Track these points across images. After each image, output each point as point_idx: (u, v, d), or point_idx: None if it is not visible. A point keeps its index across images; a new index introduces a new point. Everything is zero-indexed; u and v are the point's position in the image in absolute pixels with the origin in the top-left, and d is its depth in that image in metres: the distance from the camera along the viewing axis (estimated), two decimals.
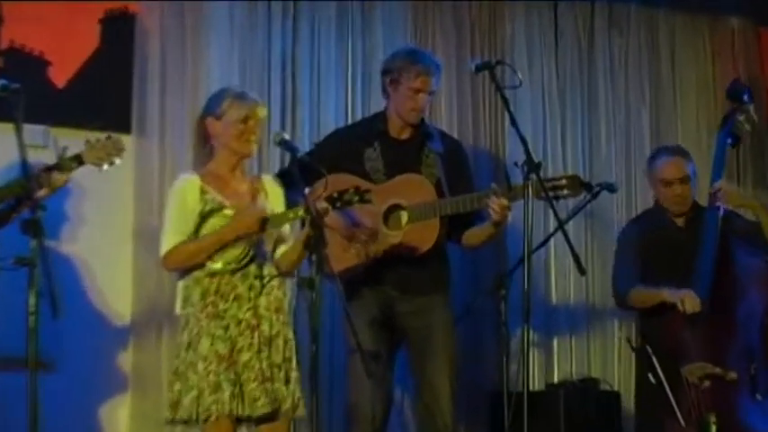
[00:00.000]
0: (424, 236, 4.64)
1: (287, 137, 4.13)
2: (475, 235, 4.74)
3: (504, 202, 4.35)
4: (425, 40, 6.07)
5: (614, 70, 6.53)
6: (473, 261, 5.81)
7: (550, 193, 4.23)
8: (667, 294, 4.94)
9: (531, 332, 4.07)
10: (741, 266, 4.97)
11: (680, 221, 5.27)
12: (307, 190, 4.01)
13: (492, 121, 6.23)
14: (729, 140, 5.12)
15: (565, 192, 4.32)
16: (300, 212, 4.05)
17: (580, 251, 5.33)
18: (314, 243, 3.83)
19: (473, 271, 5.87)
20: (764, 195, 6.44)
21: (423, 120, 4.87)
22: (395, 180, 4.70)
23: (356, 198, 4.07)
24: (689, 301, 4.88)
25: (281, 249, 4.25)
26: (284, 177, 4.41)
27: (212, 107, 4.26)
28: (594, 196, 4.73)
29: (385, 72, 4.81)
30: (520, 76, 4.39)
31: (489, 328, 5.80)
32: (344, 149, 4.76)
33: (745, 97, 5.15)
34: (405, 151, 4.79)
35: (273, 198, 4.34)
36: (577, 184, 4.34)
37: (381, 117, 4.88)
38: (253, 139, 4.20)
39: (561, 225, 4.06)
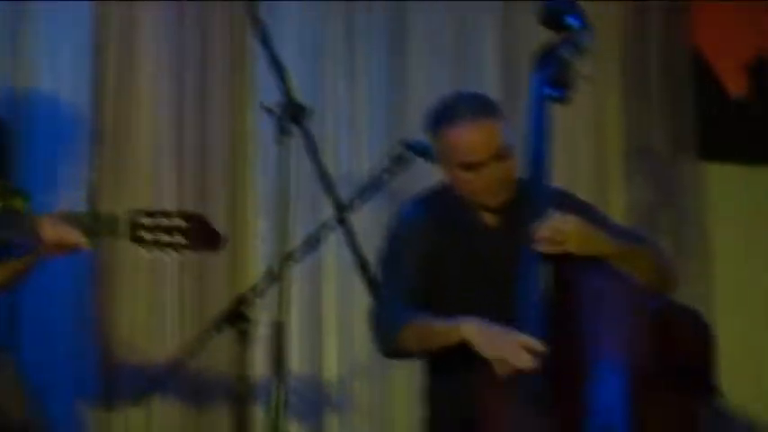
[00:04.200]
0: None
1: None
2: None
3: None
4: None
5: None
6: None
7: (153, 237, 3.27)
8: (469, 331, 3.41)
9: None
10: (589, 295, 3.35)
11: (491, 219, 3.77)
12: None
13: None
14: (551, 91, 3.52)
15: (180, 240, 3.28)
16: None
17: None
18: None
19: None
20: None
21: None
22: None
23: None
24: (513, 349, 3.30)
25: None
26: None
27: None
28: (397, 163, 3.98)
29: None
30: None
31: None
32: None
33: (572, 21, 3.64)
34: None
35: None
36: (202, 231, 3.28)
37: None
38: None
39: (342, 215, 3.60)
